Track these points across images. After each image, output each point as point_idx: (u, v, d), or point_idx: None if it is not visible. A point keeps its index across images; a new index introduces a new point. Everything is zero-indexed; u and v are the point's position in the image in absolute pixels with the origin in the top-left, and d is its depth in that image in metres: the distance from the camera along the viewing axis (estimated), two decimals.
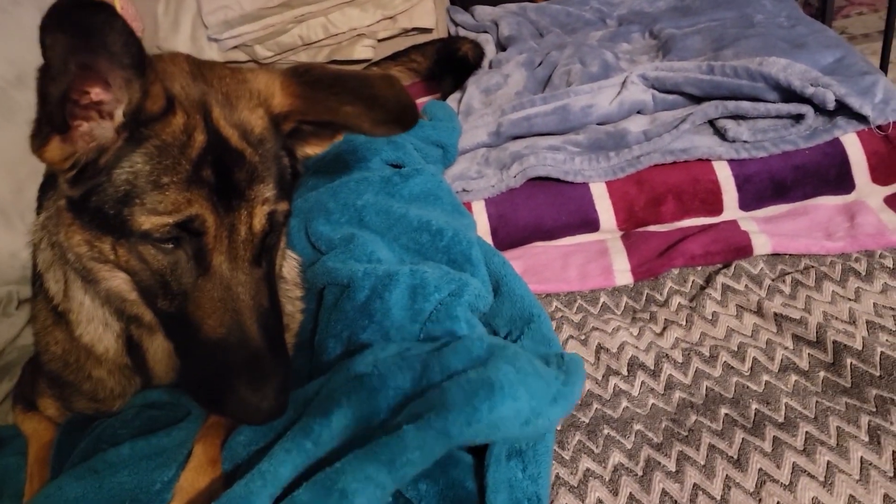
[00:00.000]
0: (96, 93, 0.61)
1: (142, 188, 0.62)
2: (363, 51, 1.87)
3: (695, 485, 0.73)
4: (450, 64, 1.69)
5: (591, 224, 1.18)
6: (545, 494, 0.66)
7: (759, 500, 0.70)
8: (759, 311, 0.94)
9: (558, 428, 0.81)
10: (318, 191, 1.03)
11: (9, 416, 1.00)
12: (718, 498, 0.72)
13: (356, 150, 1.09)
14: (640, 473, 0.75)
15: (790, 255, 1.04)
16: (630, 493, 0.74)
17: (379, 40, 1.89)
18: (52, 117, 0.60)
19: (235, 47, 1.87)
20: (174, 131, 0.63)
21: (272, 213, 0.66)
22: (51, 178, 0.79)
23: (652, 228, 1.16)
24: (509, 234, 1.18)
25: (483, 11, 1.93)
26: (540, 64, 1.55)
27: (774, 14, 1.61)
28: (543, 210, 1.19)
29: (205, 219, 0.63)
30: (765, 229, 1.07)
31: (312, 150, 0.76)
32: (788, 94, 1.19)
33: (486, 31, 1.85)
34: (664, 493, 0.73)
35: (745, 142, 1.18)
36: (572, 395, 0.67)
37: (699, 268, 1.05)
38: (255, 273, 0.66)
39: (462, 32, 1.91)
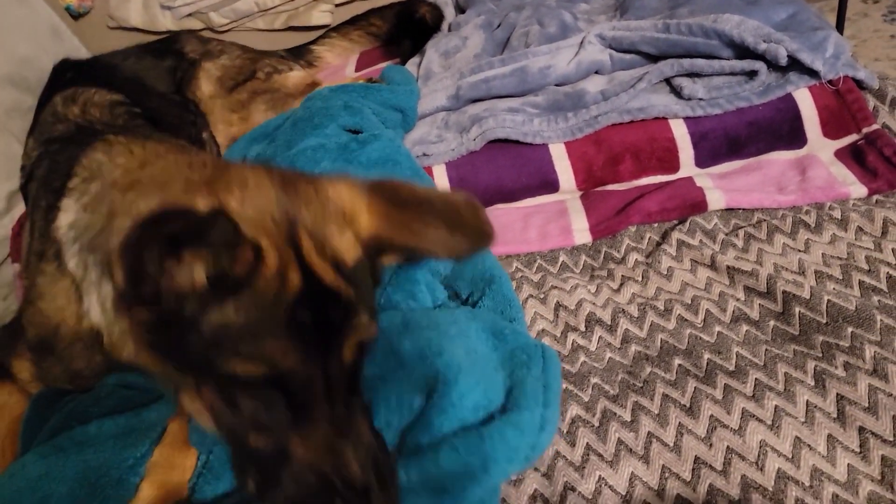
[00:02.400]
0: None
1: (235, 337, 0.55)
2: (321, 16, 1.85)
3: (649, 433, 0.76)
4: (408, 27, 1.67)
5: (551, 185, 1.19)
6: None
7: (710, 444, 0.73)
8: (713, 265, 0.96)
9: None
10: (275, 160, 1.02)
11: None
12: (671, 444, 0.74)
13: (312, 118, 1.08)
14: (597, 424, 0.78)
15: (743, 209, 1.06)
16: (587, 443, 0.76)
17: (336, 5, 1.87)
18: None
19: (189, 15, 1.82)
20: (267, 279, 0.56)
21: (362, 342, 0.61)
22: None
23: (610, 187, 1.17)
24: None
25: None
26: (499, 26, 1.54)
27: None
28: (504, 172, 1.20)
29: (301, 365, 0.57)
30: (719, 185, 1.09)
31: (388, 261, 0.71)
32: (742, 51, 1.20)
33: None
34: (620, 441, 0.75)
35: (700, 99, 1.19)
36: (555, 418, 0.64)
37: (655, 224, 1.07)
38: (353, 405, 0.62)
39: None
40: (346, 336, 0.59)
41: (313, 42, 1.71)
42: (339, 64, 1.73)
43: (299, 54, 1.66)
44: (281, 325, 0.56)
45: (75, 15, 1.78)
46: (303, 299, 0.57)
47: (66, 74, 1.28)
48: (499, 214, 1.17)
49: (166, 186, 0.66)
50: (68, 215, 0.78)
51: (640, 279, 0.97)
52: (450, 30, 1.65)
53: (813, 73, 1.15)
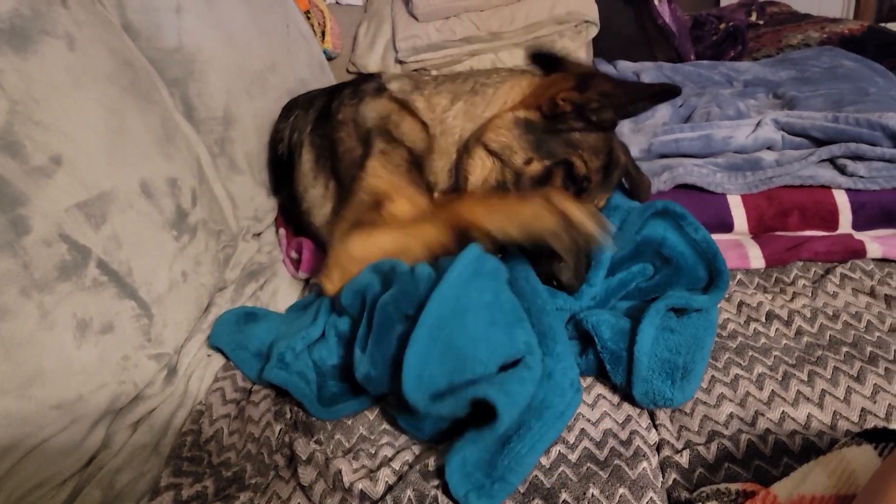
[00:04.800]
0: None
1: (585, 148, 1.12)
2: None
3: (822, 390, 0.97)
4: None
5: (727, 226, 1.44)
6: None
7: (875, 401, 0.94)
8: (872, 293, 1.18)
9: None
10: None
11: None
12: (842, 398, 0.95)
13: None
14: (780, 378, 1.00)
15: None
16: (772, 389, 0.98)
17: None
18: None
19: (415, 70, 2.24)
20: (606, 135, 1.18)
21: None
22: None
23: (778, 234, 1.42)
24: None
25: (625, 64, 2.25)
26: (681, 105, 1.85)
27: (886, 89, 1.87)
28: (688, 210, 1.46)
29: (596, 178, 1.16)
30: (875, 240, 1.31)
31: None
32: None
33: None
34: (798, 392, 0.97)
35: (861, 177, 1.43)
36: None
37: (819, 263, 1.30)
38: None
39: None
40: (608, 189, 1.21)
41: None
42: None
43: None
44: (603, 157, 1.14)
45: (329, 57, 2.23)
46: (614, 158, 1.20)
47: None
48: None
49: None
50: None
51: (809, 295, 1.19)
52: None
53: None
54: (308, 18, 2.14)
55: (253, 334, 1.18)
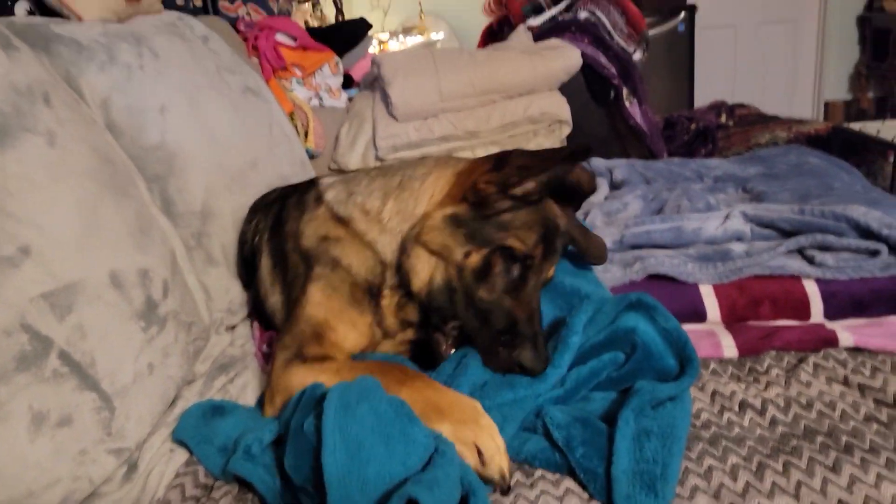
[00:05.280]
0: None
1: (518, 226, 1.12)
2: None
3: (798, 481, 0.95)
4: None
5: (700, 315, 1.45)
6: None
7: (852, 493, 0.91)
8: (846, 382, 1.17)
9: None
10: None
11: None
12: (818, 489, 0.93)
13: None
14: (755, 469, 0.98)
15: (869, 350, 1.27)
16: (747, 480, 0.96)
17: None
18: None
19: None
20: (543, 209, 1.17)
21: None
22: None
23: (751, 323, 1.42)
24: None
25: (598, 161, 2.33)
26: (652, 199, 1.90)
27: (851, 184, 1.94)
28: (659, 300, 1.47)
29: (536, 254, 1.14)
30: (847, 329, 1.32)
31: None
32: (866, 234, 1.48)
33: (601, 176, 2.24)
34: (774, 483, 0.95)
35: (829, 266, 1.46)
36: None
37: (793, 352, 1.30)
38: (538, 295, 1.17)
39: None
40: (552, 261, 1.20)
41: None
42: None
43: None
44: (539, 230, 1.13)
45: (311, 156, 2.29)
46: (553, 230, 1.17)
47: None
48: None
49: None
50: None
51: (783, 384, 1.18)
52: (605, 200, 2.02)
53: None
54: (292, 119, 2.22)
55: (219, 428, 1.15)
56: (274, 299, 1.44)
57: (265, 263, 1.47)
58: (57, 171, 1.08)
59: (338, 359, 1.15)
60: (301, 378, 1.10)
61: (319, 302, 1.21)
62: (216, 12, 2.52)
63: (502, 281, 1.12)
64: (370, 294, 1.23)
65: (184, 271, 1.40)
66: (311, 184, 1.45)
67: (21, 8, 1.70)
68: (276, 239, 1.44)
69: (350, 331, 1.20)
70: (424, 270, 1.16)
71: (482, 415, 0.96)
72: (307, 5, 4.71)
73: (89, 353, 1.02)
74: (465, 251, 1.12)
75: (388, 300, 1.22)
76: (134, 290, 1.15)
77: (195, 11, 2.49)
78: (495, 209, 1.12)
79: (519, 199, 1.13)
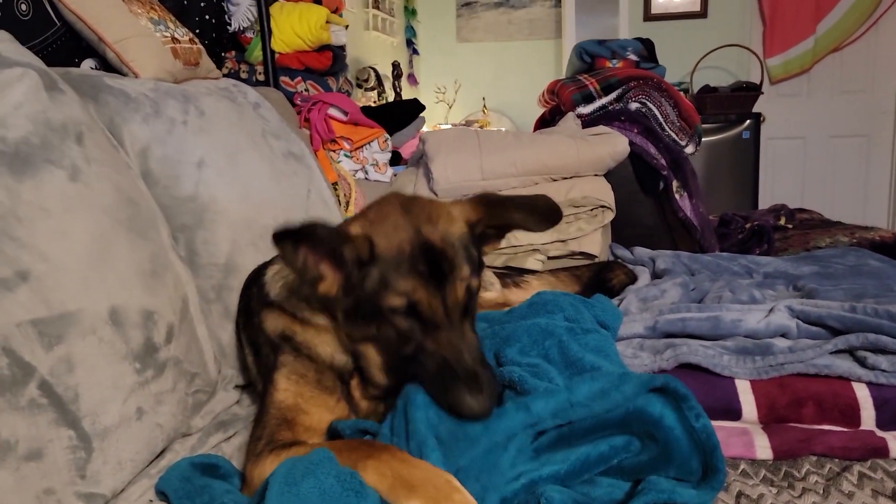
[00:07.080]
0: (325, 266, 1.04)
1: (383, 282, 1.00)
2: (534, 263, 2.22)
3: None
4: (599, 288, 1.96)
5: (734, 413, 1.32)
6: None
7: None
8: (894, 497, 1.03)
9: None
10: (512, 325, 1.29)
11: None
12: None
13: (546, 304, 1.36)
14: None
15: None
16: None
17: (549, 257, 2.24)
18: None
19: None
20: (386, 254, 1.01)
21: (468, 286, 1.04)
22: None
23: (791, 424, 1.29)
24: None
25: (641, 250, 2.25)
26: (693, 289, 1.80)
27: None
28: (691, 391, 1.36)
29: (426, 297, 1.00)
30: None
31: (491, 248, 1.18)
32: None
33: (643, 265, 2.15)
34: None
35: (883, 370, 1.32)
36: None
37: (836, 459, 1.16)
38: (464, 323, 1.04)
39: None
40: (454, 280, 1.00)
41: (529, 271, 2.06)
42: None
43: (512, 274, 1.99)
44: (407, 272, 0.99)
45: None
46: (418, 258, 0.99)
47: None
48: None
49: None
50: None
51: (821, 492, 1.05)
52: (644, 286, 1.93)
53: None
54: (335, 189, 2.24)
55: (207, 488, 1.09)
56: (260, 387, 1.40)
57: (248, 351, 1.44)
58: (73, 203, 1.10)
59: (308, 443, 1.09)
60: (272, 467, 1.05)
61: (287, 388, 1.16)
62: (276, 86, 2.63)
63: (412, 330, 1.02)
64: (342, 381, 1.18)
65: (195, 320, 1.38)
66: (262, 268, 1.41)
67: (87, 65, 1.81)
68: (249, 330, 1.41)
69: (326, 413, 1.15)
70: (370, 356, 1.11)
71: (457, 490, 0.86)
72: (374, 93, 4.91)
73: (73, 387, 0.99)
74: (370, 331, 1.07)
75: (356, 382, 1.17)
76: (133, 329, 1.13)
77: (256, 84, 2.61)
78: (359, 286, 1.04)
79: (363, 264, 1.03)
